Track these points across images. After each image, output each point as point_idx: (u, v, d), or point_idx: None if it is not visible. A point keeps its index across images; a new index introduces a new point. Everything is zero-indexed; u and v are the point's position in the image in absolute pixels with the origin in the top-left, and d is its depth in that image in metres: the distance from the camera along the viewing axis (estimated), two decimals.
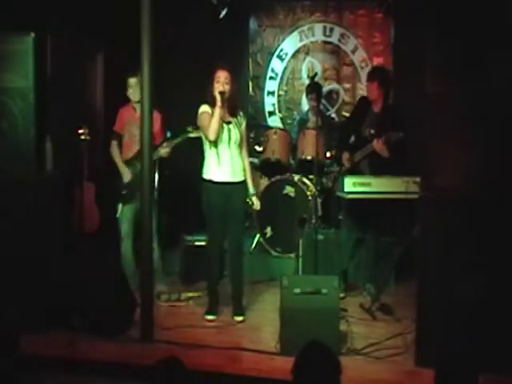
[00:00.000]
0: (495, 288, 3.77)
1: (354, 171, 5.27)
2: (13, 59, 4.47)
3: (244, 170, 4.86)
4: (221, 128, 4.69)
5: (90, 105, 6.18)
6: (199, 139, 4.87)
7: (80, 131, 4.96)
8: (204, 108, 4.74)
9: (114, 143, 5.42)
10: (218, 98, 4.61)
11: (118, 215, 5.31)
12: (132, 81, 5.23)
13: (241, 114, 4.88)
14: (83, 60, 6.03)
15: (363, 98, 5.73)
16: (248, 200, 4.96)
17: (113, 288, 4.55)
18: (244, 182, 4.85)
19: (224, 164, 4.74)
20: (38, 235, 4.49)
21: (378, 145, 5.08)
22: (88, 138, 5.02)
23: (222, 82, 4.67)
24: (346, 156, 5.34)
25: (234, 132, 4.75)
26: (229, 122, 4.76)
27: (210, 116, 4.66)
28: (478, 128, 3.82)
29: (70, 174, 5.13)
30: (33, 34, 4.47)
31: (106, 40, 6.07)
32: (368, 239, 5.39)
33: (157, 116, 5.35)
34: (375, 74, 5.38)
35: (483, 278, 3.77)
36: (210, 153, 4.77)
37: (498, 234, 3.79)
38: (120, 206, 5.27)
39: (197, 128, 4.97)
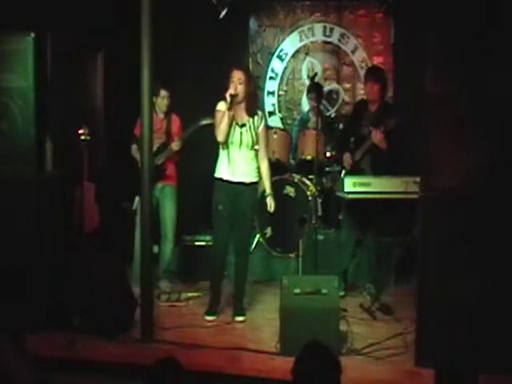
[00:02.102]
0: (495, 288, 3.77)
1: (356, 170, 5.27)
2: (13, 59, 4.47)
3: (258, 172, 4.84)
4: (233, 130, 4.69)
5: (89, 105, 6.18)
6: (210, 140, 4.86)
7: (80, 131, 4.97)
8: (220, 106, 4.72)
9: (134, 147, 5.45)
10: (228, 100, 4.58)
11: (134, 207, 5.34)
12: (163, 93, 5.41)
13: (259, 114, 4.82)
14: (83, 60, 6.03)
15: (361, 100, 5.73)
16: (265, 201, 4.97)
17: (113, 288, 4.56)
18: (254, 184, 4.84)
19: (234, 165, 4.73)
20: (38, 235, 4.49)
21: (376, 135, 5.08)
22: (88, 137, 5.03)
23: (235, 82, 4.64)
24: (347, 158, 5.31)
25: (247, 136, 4.73)
26: (243, 125, 4.73)
27: (222, 115, 4.66)
28: (478, 128, 3.82)
29: (70, 174, 5.13)
30: (33, 34, 4.47)
31: (106, 40, 6.07)
32: (368, 239, 5.39)
33: (175, 119, 5.50)
34: (377, 75, 5.34)
35: (483, 277, 3.77)
36: (222, 153, 4.78)
37: (498, 233, 3.78)
38: (137, 198, 5.28)
39: (208, 116, 5.00)
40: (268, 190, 4.93)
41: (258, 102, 4.97)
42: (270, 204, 4.95)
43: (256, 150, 4.83)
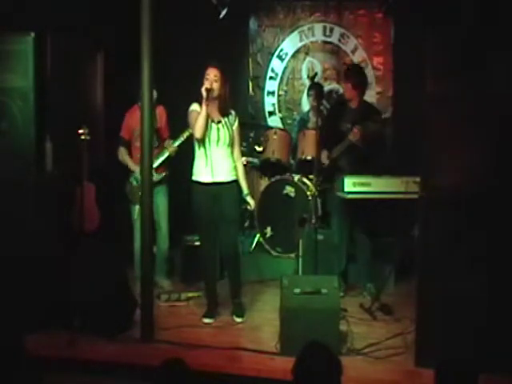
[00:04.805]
0: (495, 288, 3.78)
1: (334, 168, 5.31)
2: (13, 59, 4.48)
3: (235, 171, 4.82)
4: (209, 128, 4.67)
5: (89, 105, 6.17)
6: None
7: (80, 131, 4.96)
8: (193, 106, 4.73)
9: (123, 150, 5.50)
10: (204, 94, 4.58)
11: (135, 217, 5.41)
12: None
13: (233, 113, 4.81)
14: (83, 60, 6.02)
15: (338, 98, 5.75)
16: (245, 200, 4.98)
17: (113, 288, 4.56)
18: (234, 182, 4.82)
19: (212, 164, 4.70)
20: (37, 235, 4.49)
21: (354, 133, 5.15)
22: (88, 137, 5.02)
23: (210, 79, 4.64)
24: (324, 154, 5.37)
25: (223, 132, 4.72)
26: (218, 122, 4.72)
27: (198, 115, 4.65)
28: (478, 128, 3.82)
29: (70, 174, 5.13)
30: (33, 34, 4.48)
31: (106, 40, 6.06)
32: (361, 238, 5.40)
33: (162, 111, 5.50)
34: (348, 75, 5.46)
35: (483, 277, 3.77)
36: (198, 153, 4.76)
37: (497, 233, 3.79)
38: (137, 207, 5.28)
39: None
40: (246, 190, 4.91)
41: (232, 103, 4.93)
42: (251, 203, 4.97)
43: (232, 148, 4.81)
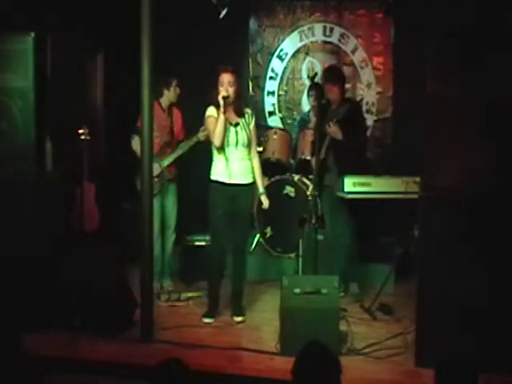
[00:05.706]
0: (495, 288, 3.78)
1: (323, 169, 5.31)
2: (13, 59, 4.47)
3: (252, 171, 4.84)
4: (228, 131, 4.68)
5: (89, 105, 6.17)
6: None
7: (80, 131, 4.96)
8: (210, 111, 4.73)
9: (137, 139, 5.48)
10: (221, 103, 4.59)
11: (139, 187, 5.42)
12: (174, 82, 5.53)
13: (249, 112, 4.84)
14: (83, 60, 6.02)
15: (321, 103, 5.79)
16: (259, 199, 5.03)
17: (113, 288, 4.56)
18: (251, 184, 4.85)
19: (231, 166, 4.72)
20: (38, 235, 4.49)
21: (330, 128, 5.17)
22: (88, 137, 5.03)
23: (225, 85, 4.65)
24: (313, 160, 5.34)
25: (242, 134, 4.73)
26: (236, 124, 4.73)
27: (215, 120, 4.66)
28: (477, 128, 3.82)
29: (70, 174, 5.13)
30: (33, 34, 4.47)
31: (106, 40, 6.07)
32: (344, 238, 5.40)
33: (178, 115, 5.59)
34: (336, 77, 5.47)
35: (483, 277, 3.77)
36: (217, 155, 4.77)
37: (497, 233, 3.79)
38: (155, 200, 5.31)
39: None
40: (261, 188, 4.94)
41: (244, 101, 4.99)
42: (265, 202, 4.98)
43: (250, 148, 4.83)
